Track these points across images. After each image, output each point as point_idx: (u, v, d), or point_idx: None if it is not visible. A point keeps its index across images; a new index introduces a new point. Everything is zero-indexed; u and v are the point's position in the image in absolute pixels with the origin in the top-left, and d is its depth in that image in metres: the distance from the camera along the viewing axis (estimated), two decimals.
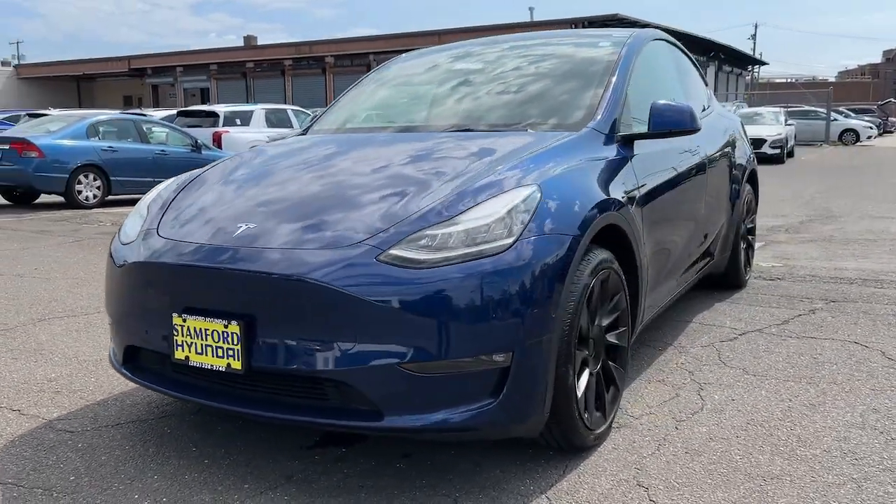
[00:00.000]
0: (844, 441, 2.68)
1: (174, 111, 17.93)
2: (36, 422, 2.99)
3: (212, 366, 2.36)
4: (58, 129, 11.45)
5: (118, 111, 14.85)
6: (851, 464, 2.50)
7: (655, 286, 3.32)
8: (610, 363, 2.77)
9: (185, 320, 2.39)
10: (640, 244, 2.96)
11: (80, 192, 11.27)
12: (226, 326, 2.30)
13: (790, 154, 22.47)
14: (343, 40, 39.84)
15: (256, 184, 2.83)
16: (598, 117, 3.12)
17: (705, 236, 4.14)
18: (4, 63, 56.44)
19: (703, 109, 4.73)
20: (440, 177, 2.59)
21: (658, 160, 3.37)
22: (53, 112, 16.18)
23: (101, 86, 51.94)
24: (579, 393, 2.48)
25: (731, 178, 4.64)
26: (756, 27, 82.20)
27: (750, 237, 5.27)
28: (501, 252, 2.24)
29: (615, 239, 2.81)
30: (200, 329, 2.36)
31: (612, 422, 2.76)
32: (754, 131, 20.76)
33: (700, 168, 3.95)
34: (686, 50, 4.74)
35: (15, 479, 2.50)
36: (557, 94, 3.36)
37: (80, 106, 47.21)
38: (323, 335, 2.20)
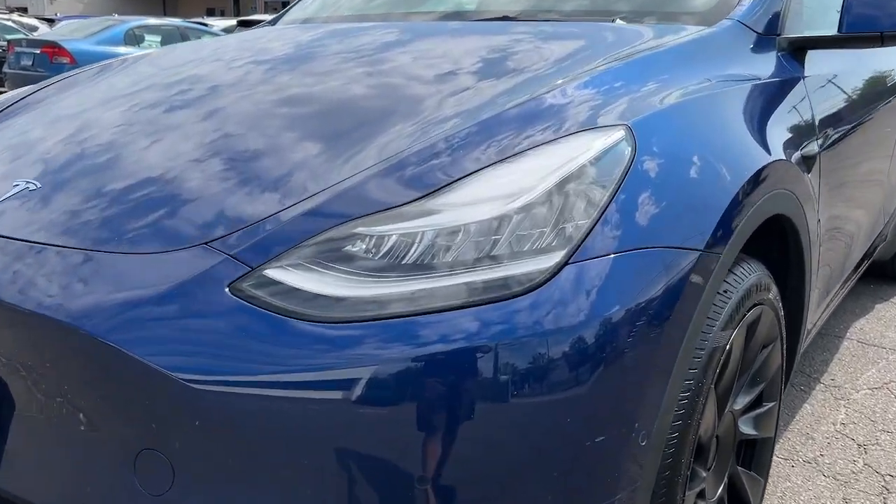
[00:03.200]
0: None
1: (234, 21, 16.86)
2: None
3: None
4: (93, 33, 10.45)
5: (172, 20, 13.78)
6: None
7: (818, 304, 1.96)
8: (741, 472, 1.46)
9: None
10: (816, 243, 1.60)
11: None
12: None
13: None
14: None
15: (88, 113, 1.55)
16: (747, 3, 1.71)
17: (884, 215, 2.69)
18: None
19: None
20: (429, 105, 1.27)
21: (844, 87, 1.95)
22: (115, 17, 15.30)
23: None
24: None
25: None
26: None
27: None
28: (531, 289, 0.93)
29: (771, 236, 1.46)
30: None
31: None
32: None
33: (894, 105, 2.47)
34: None
35: None
36: None
37: (165, 16, 46.90)
38: (108, 448, 0.97)
